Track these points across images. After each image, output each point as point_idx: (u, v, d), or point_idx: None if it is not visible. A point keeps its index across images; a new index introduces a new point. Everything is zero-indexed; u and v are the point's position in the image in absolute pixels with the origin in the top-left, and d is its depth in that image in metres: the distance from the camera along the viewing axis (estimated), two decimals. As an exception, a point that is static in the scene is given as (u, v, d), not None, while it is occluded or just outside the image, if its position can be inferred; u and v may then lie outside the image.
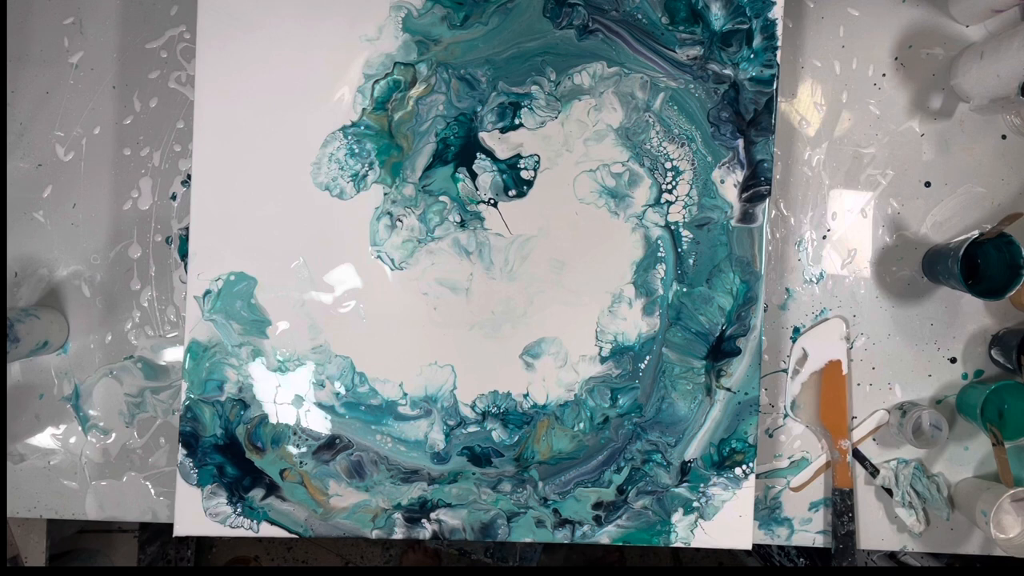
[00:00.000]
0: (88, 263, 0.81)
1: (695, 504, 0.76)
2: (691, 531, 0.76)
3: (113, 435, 0.81)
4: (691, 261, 0.75)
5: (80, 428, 0.81)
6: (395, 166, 0.75)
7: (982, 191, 0.81)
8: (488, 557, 1.51)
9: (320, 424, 0.75)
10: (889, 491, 0.80)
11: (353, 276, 0.75)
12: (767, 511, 0.81)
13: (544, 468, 0.76)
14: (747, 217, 0.75)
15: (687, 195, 0.75)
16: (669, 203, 0.75)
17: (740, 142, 0.75)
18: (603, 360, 0.76)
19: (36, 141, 0.81)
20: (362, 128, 0.75)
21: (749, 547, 0.76)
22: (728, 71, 0.74)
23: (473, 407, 0.76)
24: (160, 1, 0.81)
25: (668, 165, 0.75)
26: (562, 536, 0.76)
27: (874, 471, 0.81)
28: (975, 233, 0.73)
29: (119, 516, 0.81)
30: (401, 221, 0.75)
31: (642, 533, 0.76)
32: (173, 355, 0.81)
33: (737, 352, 0.75)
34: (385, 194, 0.75)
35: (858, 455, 0.81)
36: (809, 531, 0.81)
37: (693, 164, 0.75)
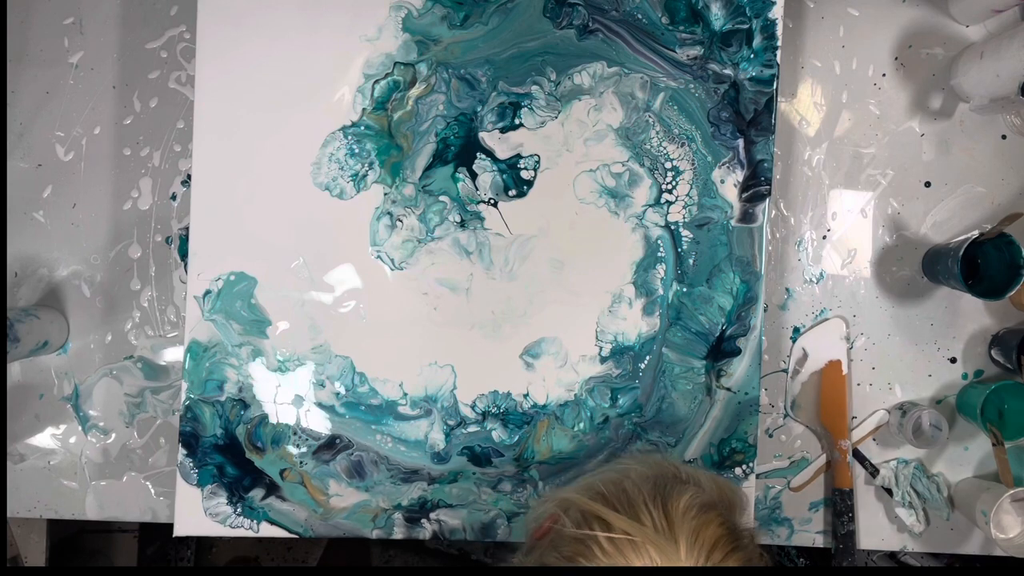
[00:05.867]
0: (88, 263, 0.81)
1: (695, 504, 0.76)
2: (691, 531, 0.76)
3: (113, 435, 0.81)
4: (691, 261, 0.75)
5: (80, 428, 0.81)
6: (395, 166, 0.75)
7: (982, 191, 0.81)
8: (488, 557, 1.50)
9: (320, 424, 0.75)
10: (889, 491, 0.80)
11: (353, 276, 0.75)
12: (767, 511, 0.81)
13: (544, 468, 0.76)
14: (747, 217, 0.75)
15: (687, 195, 0.75)
16: (669, 203, 0.75)
17: (740, 142, 0.75)
18: (603, 360, 0.76)
19: (36, 141, 0.81)
20: (362, 128, 0.75)
21: (749, 547, 0.76)
22: (728, 71, 0.74)
23: (473, 407, 0.76)
24: (160, 1, 0.81)
25: (668, 165, 0.75)
26: (562, 536, 0.76)
27: (874, 471, 0.80)
28: (975, 233, 0.73)
29: (119, 516, 0.81)
30: (401, 221, 0.75)
31: (642, 533, 0.76)
32: (173, 355, 0.81)
33: (737, 352, 0.75)
34: (385, 194, 0.75)
35: (858, 455, 0.81)
36: (809, 531, 0.81)
37: (693, 164, 0.75)
